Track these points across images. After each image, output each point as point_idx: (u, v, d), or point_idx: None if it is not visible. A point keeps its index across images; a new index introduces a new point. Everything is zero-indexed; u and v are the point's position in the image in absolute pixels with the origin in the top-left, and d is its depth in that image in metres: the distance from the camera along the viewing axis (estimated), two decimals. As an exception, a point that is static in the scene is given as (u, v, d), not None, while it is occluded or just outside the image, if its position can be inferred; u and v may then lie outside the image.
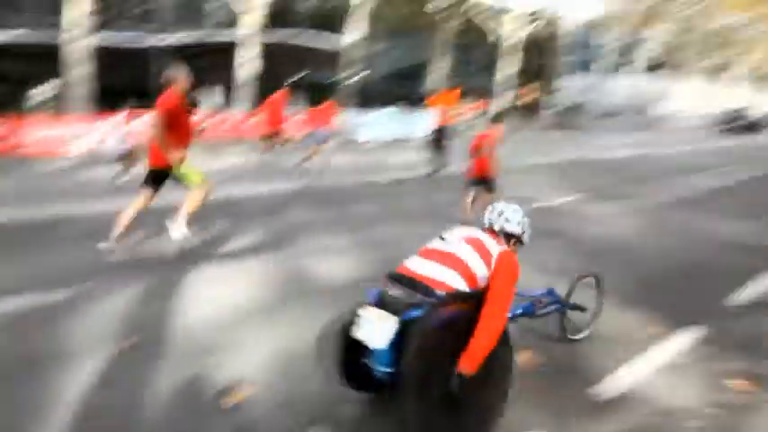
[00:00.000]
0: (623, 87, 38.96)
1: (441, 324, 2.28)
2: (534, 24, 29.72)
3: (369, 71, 27.22)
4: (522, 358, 3.46)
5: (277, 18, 22.35)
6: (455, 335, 2.30)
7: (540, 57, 32.74)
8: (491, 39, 29.12)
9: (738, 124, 29.20)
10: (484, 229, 2.91)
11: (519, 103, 30.19)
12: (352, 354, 2.56)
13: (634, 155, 18.22)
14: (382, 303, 2.47)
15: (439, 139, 11.51)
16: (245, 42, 19.09)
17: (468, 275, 2.52)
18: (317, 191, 9.47)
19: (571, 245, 6.37)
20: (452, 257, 2.57)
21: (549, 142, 22.22)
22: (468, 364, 2.28)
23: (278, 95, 11.61)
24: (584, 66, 40.97)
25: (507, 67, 29.51)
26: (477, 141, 6.65)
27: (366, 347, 2.46)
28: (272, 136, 11.69)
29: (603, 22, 35.67)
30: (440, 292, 2.41)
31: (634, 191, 10.08)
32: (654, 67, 41.59)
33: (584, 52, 40.71)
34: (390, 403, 2.52)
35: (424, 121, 22.91)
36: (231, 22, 20.80)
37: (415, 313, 2.34)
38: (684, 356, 3.69)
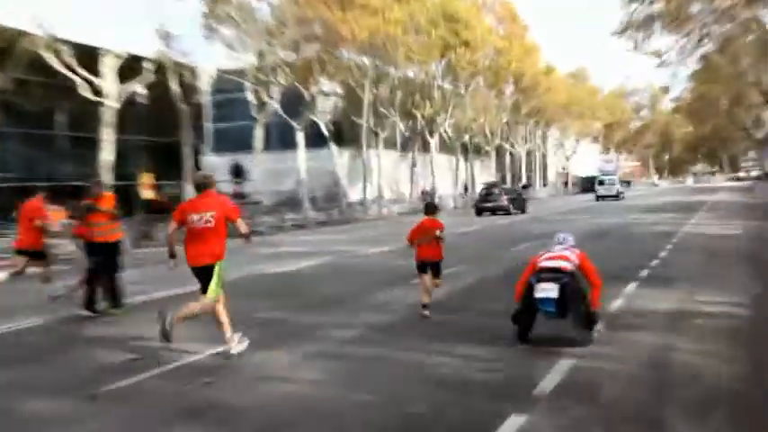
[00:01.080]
0: (303, 165, 29.29)
1: (572, 282, 6.41)
2: (147, 75, 20.96)
3: None
4: None
5: None
6: (577, 283, 6.47)
7: (173, 126, 23.72)
8: (88, 96, 19.30)
9: (486, 206, 31.73)
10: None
11: (146, 197, 22.09)
12: (529, 311, 6.39)
13: (325, 262, 13.27)
14: (541, 281, 6.33)
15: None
16: None
17: (571, 263, 6.69)
18: None
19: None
20: (563, 257, 6.75)
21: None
22: (596, 303, 6.52)
23: None
24: (245, 137, 30.21)
25: (118, 141, 20.01)
26: (424, 227, 8.23)
27: (538, 305, 6.27)
28: None
29: (256, 72, 27.28)
30: (565, 271, 6.50)
31: (317, 320, 7.84)
32: (339, 136, 34.32)
33: (243, 116, 30.74)
34: (561, 318, 6.13)
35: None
36: None
37: (564, 280, 6.35)
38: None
